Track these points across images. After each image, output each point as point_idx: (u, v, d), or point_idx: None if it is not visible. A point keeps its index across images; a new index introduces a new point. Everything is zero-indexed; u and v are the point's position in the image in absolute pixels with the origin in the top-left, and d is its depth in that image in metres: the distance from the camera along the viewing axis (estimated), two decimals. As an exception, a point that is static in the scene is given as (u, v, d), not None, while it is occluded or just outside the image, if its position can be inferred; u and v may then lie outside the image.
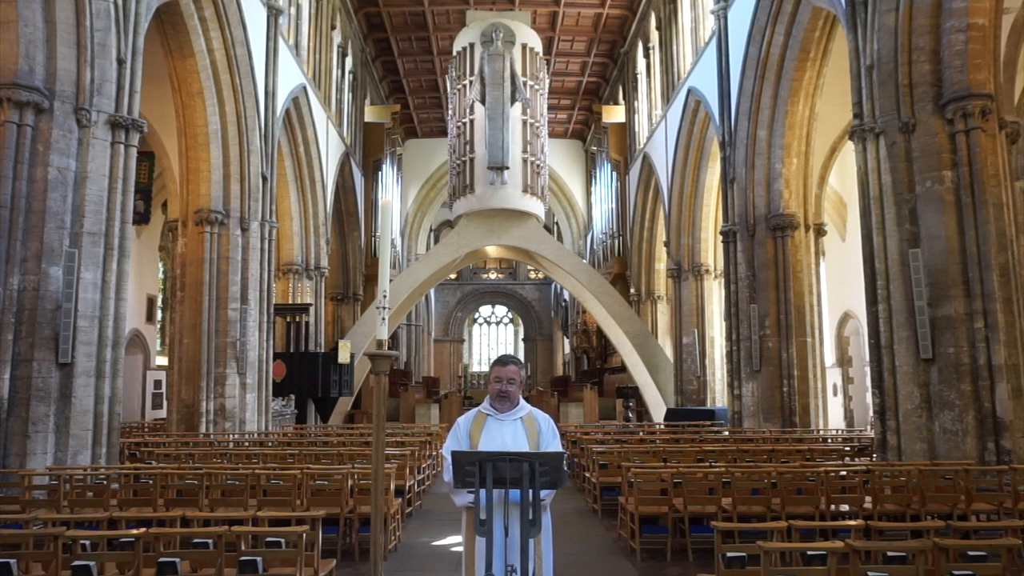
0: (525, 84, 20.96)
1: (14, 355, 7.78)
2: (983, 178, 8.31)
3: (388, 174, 25.14)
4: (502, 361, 4.02)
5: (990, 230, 8.22)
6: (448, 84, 23.54)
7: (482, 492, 3.41)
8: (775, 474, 6.97)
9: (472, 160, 20.65)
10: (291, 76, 16.09)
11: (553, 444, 3.96)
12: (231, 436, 12.37)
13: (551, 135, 26.14)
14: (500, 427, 3.95)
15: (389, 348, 3.79)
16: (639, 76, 23.70)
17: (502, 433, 3.93)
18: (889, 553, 4.21)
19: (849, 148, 10.99)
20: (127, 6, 8.99)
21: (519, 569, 3.43)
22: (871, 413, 12.18)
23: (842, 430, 15.48)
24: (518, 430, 3.94)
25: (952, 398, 8.22)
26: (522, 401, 4.07)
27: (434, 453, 12.24)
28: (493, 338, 46.18)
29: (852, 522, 5.31)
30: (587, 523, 8.97)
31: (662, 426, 16.27)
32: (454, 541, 7.84)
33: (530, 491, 3.42)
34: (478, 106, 20.67)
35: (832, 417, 15.13)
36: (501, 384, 3.96)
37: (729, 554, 4.37)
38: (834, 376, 17.99)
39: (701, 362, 18.37)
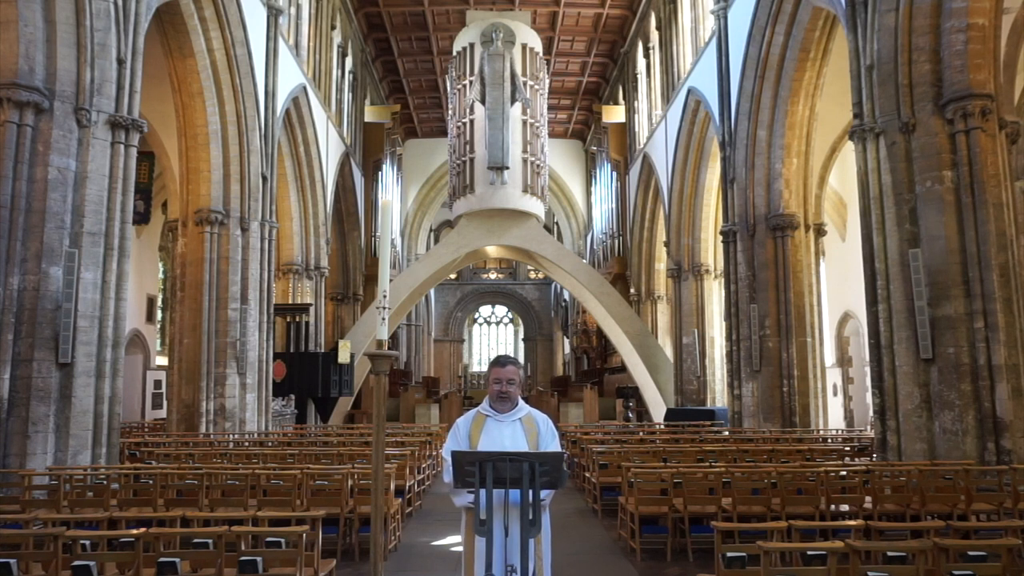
0: (525, 84, 20.96)
1: (14, 355, 7.78)
2: (983, 178, 8.31)
3: (388, 174, 25.15)
4: (500, 362, 4.01)
5: (990, 230, 8.22)
6: (448, 84, 23.54)
7: (482, 492, 3.41)
8: (775, 474, 6.97)
9: (472, 160, 20.65)
10: (291, 76, 16.09)
11: (552, 445, 3.96)
12: (231, 436, 12.36)
13: (551, 135, 26.15)
14: (499, 428, 3.95)
15: (389, 348, 3.79)
16: (639, 76, 23.70)
17: (501, 434, 3.93)
18: (889, 553, 4.21)
19: (849, 148, 10.98)
20: (127, 6, 8.98)
21: (519, 569, 3.43)
22: (871, 413, 12.17)
23: (842, 430, 15.48)
24: (517, 431, 3.95)
25: (952, 398, 8.22)
26: (521, 402, 4.07)
27: (434, 453, 12.23)
28: (493, 338, 46.17)
29: (852, 522, 5.32)
30: (587, 523, 8.97)
31: (662, 426, 16.26)
32: (454, 541, 7.84)
33: (530, 491, 3.42)
34: (478, 106, 20.67)
35: (832, 417, 15.13)
36: (501, 385, 3.96)
37: (729, 554, 4.37)
38: (834, 376, 17.99)
39: (701, 362, 18.36)
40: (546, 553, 3.82)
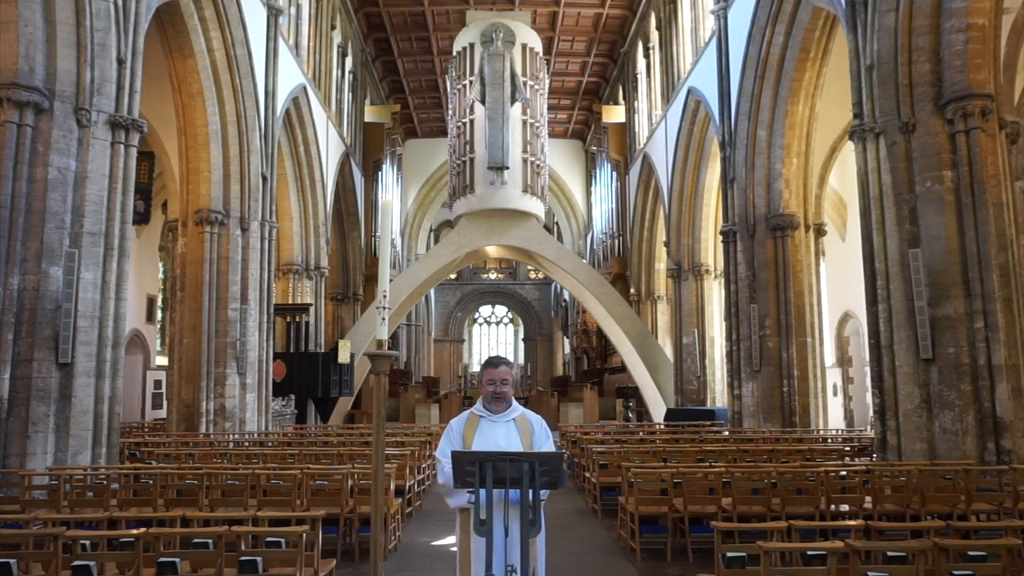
0: (525, 84, 20.96)
1: (14, 355, 7.78)
2: (983, 178, 8.31)
3: (388, 174, 25.15)
4: (493, 363, 4.01)
5: (990, 230, 8.22)
6: (448, 84, 23.54)
7: (482, 492, 3.41)
8: (775, 474, 6.97)
9: (472, 160, 20.66)
10: (291, 76, 16.09)
11: (546, 445, 3.96)
12: (231, 436, 12.36)
13: (551, 135, 26.15)
14: (493, 428, 3.95)
15: (389, 348, 3.79)
16: (639, 76, 23.70)
17: (495, 434, 3.92)
18: (889, 553, 4.21)
19: (849, 148, 10.98)
20: (127, 6, 8.99)
21: (519, 569, 3.42)
22: (871, 413, 12.17)
23: (842, 430, 15.48)
24: (511, 431, 3.94)
25: (952, 398, 8.22)
26: (515, 402, 4.07)
27: (433, 454, 12.23)
28: (493, 338, 46.14)
29: (852, 522, 5.32)
30: (587, 523, 8.97)
31: (662, 426, 16.26)
32: (454, 541, 7.83)
33: (530, 491, 3.42)
34: (478, 106, 20.67)
35: (832, 417, 15.12)
36: (495, 386, 3.96)
37: (729, 554, 4.37)
38: (834, 376, 17.98)
39: (701, 362, 18.36)
40: (541, 552, 3.82)
